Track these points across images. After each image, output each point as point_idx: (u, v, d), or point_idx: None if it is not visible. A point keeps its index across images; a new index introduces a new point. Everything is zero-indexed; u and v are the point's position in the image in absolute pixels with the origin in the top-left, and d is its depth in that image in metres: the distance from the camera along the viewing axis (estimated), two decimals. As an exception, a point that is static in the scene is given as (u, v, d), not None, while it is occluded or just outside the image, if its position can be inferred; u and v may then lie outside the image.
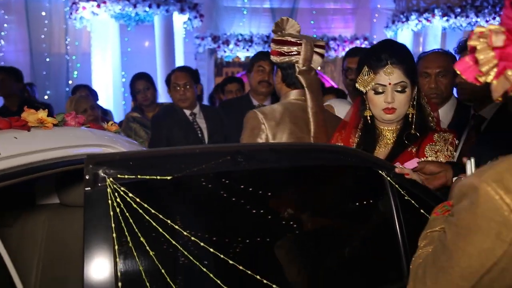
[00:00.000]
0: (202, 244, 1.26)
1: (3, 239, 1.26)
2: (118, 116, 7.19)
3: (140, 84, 4.31)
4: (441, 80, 2.73)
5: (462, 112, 2.67)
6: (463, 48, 2.36)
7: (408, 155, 1.84)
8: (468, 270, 0.84)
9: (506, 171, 0.82)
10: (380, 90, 1.86)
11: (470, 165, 1.29)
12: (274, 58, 2.23)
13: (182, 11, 8.08)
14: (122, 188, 1.21)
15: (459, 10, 8.30)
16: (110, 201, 1.19)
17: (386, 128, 1.97)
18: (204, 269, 1.23)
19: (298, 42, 2.17)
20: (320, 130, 2.15)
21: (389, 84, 1.85)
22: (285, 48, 2.19)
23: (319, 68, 2.32)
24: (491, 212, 0.79)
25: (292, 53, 2.18)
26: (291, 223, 1.38)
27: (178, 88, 3.69)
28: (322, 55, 2.25)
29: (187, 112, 3.71)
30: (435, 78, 2.73)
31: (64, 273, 2.16)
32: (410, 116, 1.93)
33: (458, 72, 0.92)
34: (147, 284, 1.18)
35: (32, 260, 2.18)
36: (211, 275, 1.23)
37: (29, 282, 2.15)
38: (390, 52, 1.86)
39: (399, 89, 1.85)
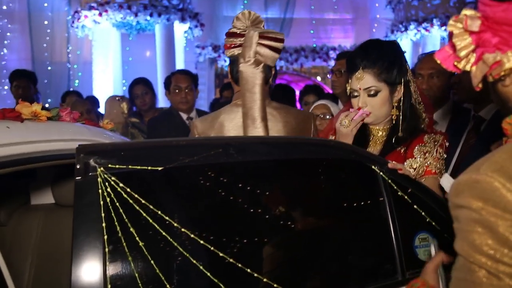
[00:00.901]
0: (192, 235, 1.25)
1: None
2: (118, 123, 7.19)
3: (138, 89, 4.33)
4: (433, 81, 2.74)
5: (461, 114, 2.69)
6: None
7: (397, 155, 1.84)
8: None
9: (504, 160, 0.80)
10: (355, 94, 1.88)
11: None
12: (225, 52, 2.10)
13: (183, 20, 8.14)
14: (113, 178, 1.20)
15: (457, 20, 8.32)
16: (100, 191, 1.19)
17: (375, 127, 1.95)
18: (194, 261, 1.23)
19: (242, 33, 1.99)
20: (251, 131, 1.95)
21: (360, 89, 1.86)
22: (231, 41, 2.03)
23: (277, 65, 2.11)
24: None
25: (236, 45, 2.01)
26: (283, 216, 1.37)
27: (180, 91, 3.69)
28: (276, 50, 2.00)
29: (184, 116, 3.71)
30: (427, 79, 2.74)
31: (57, 274, 2.14)
32: (394, 117, 1.91)
33: (438, 61, 0.93)
34: (136, 274, 1.17)
35: (26, 260, 2.17)
36: (201, 266, 1.23)
37: (22, 282, 2.13)
38: (363, 55, 1.86)
39: (372, 93, 1.84)
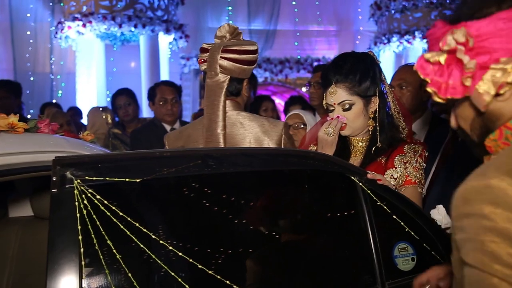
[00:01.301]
0: (170, 247, 1.24)
1: None
2: (101, 135, 7.14)
3: (121, 100, 4.31)
4: (402, 91, 2.76)
5: (439, 125, 2.72)
6: None
7: (377, 165, 1.86)
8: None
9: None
10: (331, 109, 1.90)
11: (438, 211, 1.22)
12: (199, 67, 2.18)
13: (167, 31, 8.14)
14: (90, 190, 1.19)
15: (439, 32, 8.49)
16: (77, 203, 1.18)
17: (355, 138, 1.97)
18: (173, 273, 1.22)
19: (208, 48, 2.07)
20: (211, 140, 2.01)
21: (334, 103, 1.88)
22: (202, 56, 2.10)
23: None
24: None
25: (205, 60, 2.08)
26: (262, 227, 1.37)
27: (166, 103, 3.68)
28: (244, 62, 2.03)
29: (168, 127, 3.70)
30: (398, 90, 2.77)
31: (35, 287, 2.10)
32: (371, 128, 1.91)
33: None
34: (113, 287, 1.16)
35: (3, 273, 2.13)
36: (180, 279, 1.22)
37: (0, 295, 2.09)
38: (335, 70, 1.88)
39: (346, 107, 1.87)
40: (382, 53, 9.33)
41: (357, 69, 1.86)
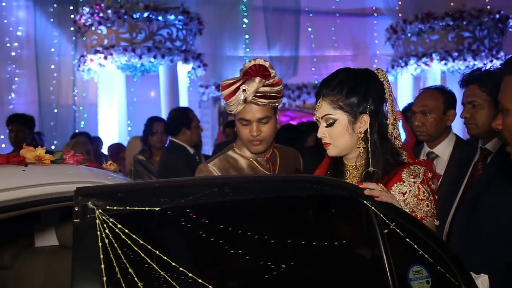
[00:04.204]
0: (190, 274, 1.28)
1: (1, 281, 1.28)
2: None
3: (159, 126, 4.41)
4: (426, 118, 2.81)
5: (462, 148, 2.77)
6: (467, 82, 2.45)
7: None
8: None
9: None
10: (318, 124, 1.80)
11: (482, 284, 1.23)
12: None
13: (186, 61, 8.32)
14: (111, 219, 1.24)
15: (456, 54, 8.48)
16: (98, 232, 1.22)
17: (350, 163, 1.83)
18: (192, 300, 1.25)
19: None
20: None
21: (319, 118, 1.78)
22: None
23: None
24: None
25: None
26: (279, 253, 1.39)
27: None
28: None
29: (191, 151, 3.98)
30: (419, 117, 2.82)
31: (60, 316, 2.15)
32: (361, 150, 1.76)
33: None
34: (135, 314, 1.19)
35: (29, 302, 2.18)
36: (199, 305, 1.25)
37: (26, 324, 2.14)
38: (324, 84, 1.78)
39: (329, 122, 1.75)
40: (399, 76, 9.34)
41: (345, 83, 1.74)
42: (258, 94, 2.06)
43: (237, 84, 2.07)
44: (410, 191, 1.69)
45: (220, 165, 2.20)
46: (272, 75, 2.10)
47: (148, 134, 4.48)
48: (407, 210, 1.67)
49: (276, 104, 2.16)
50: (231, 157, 2.25)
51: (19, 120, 4.95)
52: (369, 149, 1.74)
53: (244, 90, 2.04)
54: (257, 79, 2.05)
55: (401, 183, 1.70)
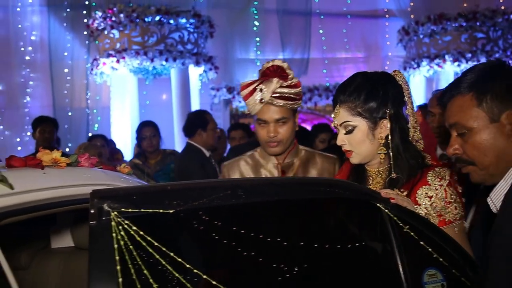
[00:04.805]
0: (204, 276, 1.29)
1: (17, 281, 1.31)
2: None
3: (147, 131, 4.53)
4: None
5: None
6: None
7: None
8: None
9: None
10: (337, 131, 1.77)
11: None
12: None
13: (197, 64, 8.35)
14: (126, 222, 1.26)
15: (469, 55, 8.40)
16: (114, 234, 1.24)
17: (372, 169, 1.79)
18: (206, 301, 1.26)
19: None
20: None
21: (338, 125, 1.74)
22: None
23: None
24: None
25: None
26: (293, 256, 1.40)
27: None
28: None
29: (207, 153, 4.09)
30: (438, 118, 2.79)
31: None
32: (382, 156, 1.71)
33: None
34: (150, 315, 1.21)
35: (46, 303, 2.21)
36: (213, 307, 1.26)
37: (42, 325, 2.17)
38: (340, 90, 1.74)
39: (348, 129, 1.71)
40: (412, 78, 9.27)
41: (363, 88, 1.69)
42: (276, 95, 2.09)
43: (255, 85, 2.11)
44: (436, 194, 1.65)
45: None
46: (290, 76, 2.12)
47: (139, 140, 4.61)
48: (435, 214, 1.63)
49: (295, 106, 2.17)
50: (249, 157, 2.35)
51: (49, 120, 5.14)
52: (391, 154, 1.69)
53: (261, 90, 2.06)
54: (275, 80, 2.07)
55: (427, 186, 1.66)
